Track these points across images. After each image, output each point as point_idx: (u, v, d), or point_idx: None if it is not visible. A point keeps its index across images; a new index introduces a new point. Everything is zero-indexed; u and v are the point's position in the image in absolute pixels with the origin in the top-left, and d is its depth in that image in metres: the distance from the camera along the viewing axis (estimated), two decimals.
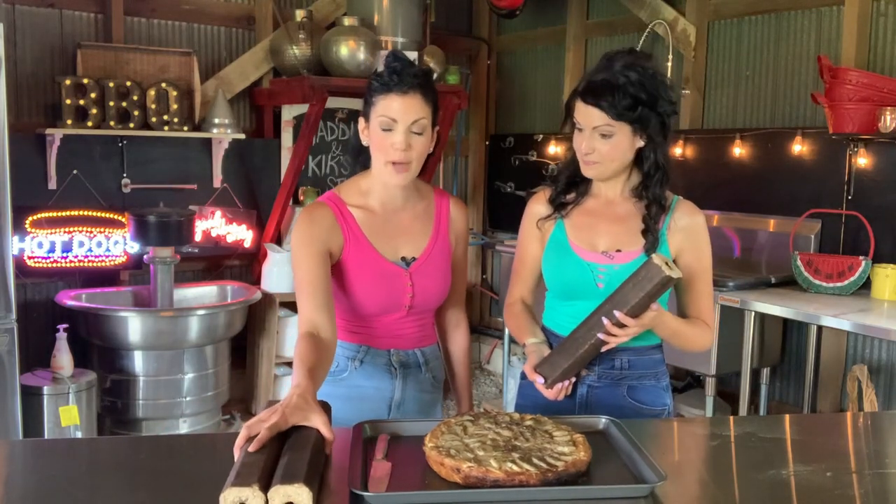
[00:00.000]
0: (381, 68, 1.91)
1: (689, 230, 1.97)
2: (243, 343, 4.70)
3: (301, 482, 1.23)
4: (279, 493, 1.21)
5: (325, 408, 1.60)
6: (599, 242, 1.97)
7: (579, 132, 1.92)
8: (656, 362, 2.01)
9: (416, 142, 1.87)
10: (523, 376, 2.10)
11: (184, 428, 4.15)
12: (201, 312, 4.13)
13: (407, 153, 1.86)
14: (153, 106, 4.29)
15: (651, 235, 1.93)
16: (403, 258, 1.96)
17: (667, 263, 1.73)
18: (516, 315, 2.09)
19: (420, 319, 2.02)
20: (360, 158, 2.01)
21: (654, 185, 1.94)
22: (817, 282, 3.69)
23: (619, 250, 1.95)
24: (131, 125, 4.27)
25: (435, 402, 2.09)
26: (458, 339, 2.18)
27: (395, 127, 1.85)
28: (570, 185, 2.04)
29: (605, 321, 1.78)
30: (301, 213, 1.98)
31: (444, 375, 2.16)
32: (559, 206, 2.03)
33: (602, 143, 1.89)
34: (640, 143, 1.91)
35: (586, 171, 1.95)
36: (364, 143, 1.95)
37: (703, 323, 1.98)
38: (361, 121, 1.95)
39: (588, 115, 1.88)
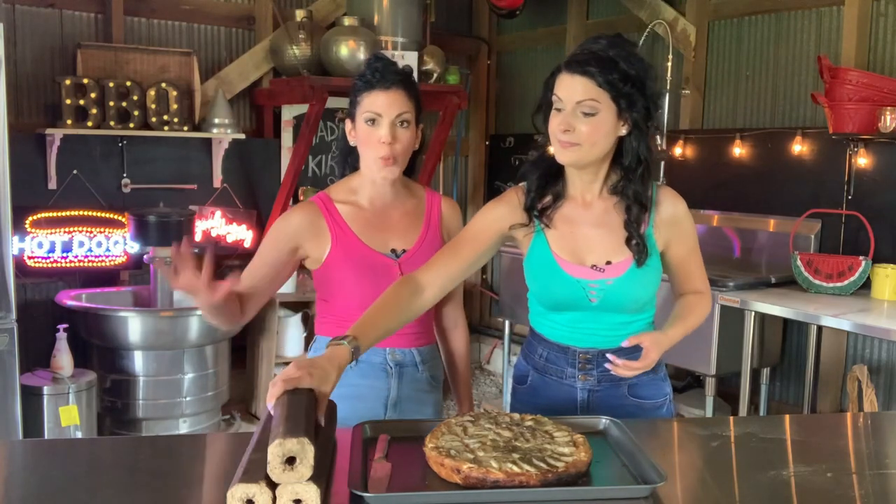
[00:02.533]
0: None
1: (674, 220, 1.88)
2: (243, 343, 4.70)
3: (309, 480, 1.23)
4: (287, 490, 1.21)
5: (332, 407, 1.61)
6: (586, 255, 1.85)
7: (557, 112, 1.75)
8: None
9: (402, 135, 1.94)
10: (518, 381, 2.06)
11: (184, 428, 4.15)
12: (201, 312, 4.12)
13: (392, 146, 1.92)
14: (153, 106, 4.29)
15: (637, 244, 1.82)
16: (393, 250, 2.00)
17: None
18: (385, 295, 1.74)
19: None
20: (348, 160, 2.08)
21: (635, 180, 1.80)
22: (817, 282, 3.69)
23: (609, 262, 1.85)
24: (131, 125, 4.26)
25: (432, 402, 2.10)
26: (458, 338, 2.20)
27: (380, 121, 1.93)
28: (544, 186, 1.86)
29: (613, 358, 1.78)
30: (289, 209, 2.06)
31: (443, 375, 2.17)
32: (538, 214, 1.87)
33: (583, 121, 1.71)
34: (623, 131, 1.77)
35: (562, 156, 1.77)
36: (352, 143, 2.02)
37: (697, 295, 1.95)
38: (348, 122, 2.02)
39: (571, 88, 1.72)
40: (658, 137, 4.20)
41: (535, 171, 1.87)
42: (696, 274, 1.97)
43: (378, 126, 1.92)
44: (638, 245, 1.82)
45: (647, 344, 1.78)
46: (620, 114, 1.74)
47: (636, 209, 1.82)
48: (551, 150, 1.82)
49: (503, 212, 1.89)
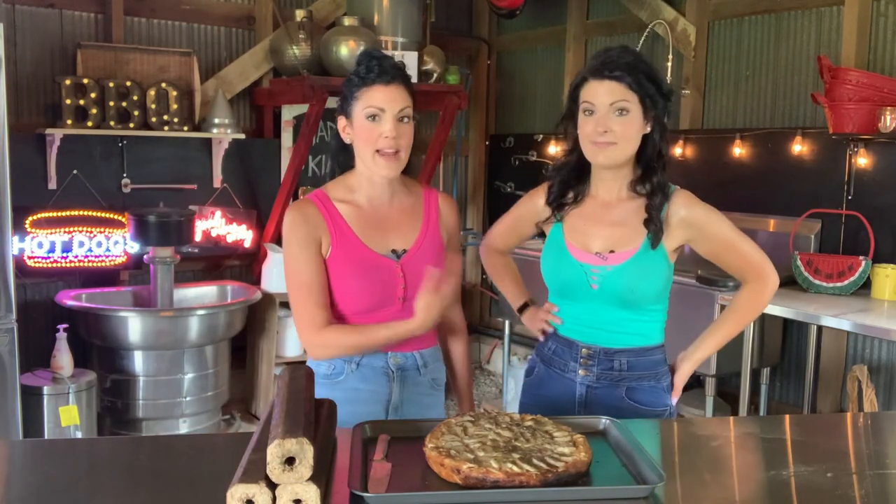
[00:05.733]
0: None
1: (691, 221, 1.95)
2: (243, 343, 4.70)
3: (308, 480, 1.23)
4: (286, 490, 1.21)
5: (332, 406, 1.61)
6: (594, 244, 1.97)
7: (589, 116, 1.89)
8: (656, 363, 2.00)
9: (404, 130, 1.91)
10: (527, 374, 2.12)
11: (184, 428, 4.15)
12: (201, 312, 4.13)
13: (397, 141, 1.89)
14: (153, 106, 4.29)
15: (654, 225, 1.92)
16: (394, 251, 1.96)
17: None
18: (505, 266, 2.26)
19: None
20: (339, 159, 2.03)
21: (658, 173, 1.93)
22: (817, 282, 3.69)
23: (612, 251, 1.95)
24: (131, 125, 4.27)
25: (435, 405, 2.07)
26: (457, 338, 2.18)
27: (383, 116, 1.89)
28: (566, 187, 2.02)
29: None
30: (288, 213, 1.97)
31: (445, 377, 2.16)
32: (557, 207, 2.03)
33: (617, 121, 1.86)
34: (647, 129, 1.91)
35: (598, 157, 1.90)
36: (347, 141, 1.97)
37: (750, 283, 1.99)
38: (342, 119, 1.97)
39: (602, 92, 1.86)
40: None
41: (558, 174, 2.02)
42: (742, 259, 1.98)
43: (380, 122, 1.89)
44: (655, 224, 1.92)
45: (676, 383, 2.03)
46: (646, 113, 1.88)
47: (659, 197, 1.93)
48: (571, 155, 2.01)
49: (540, 204, 2.07)
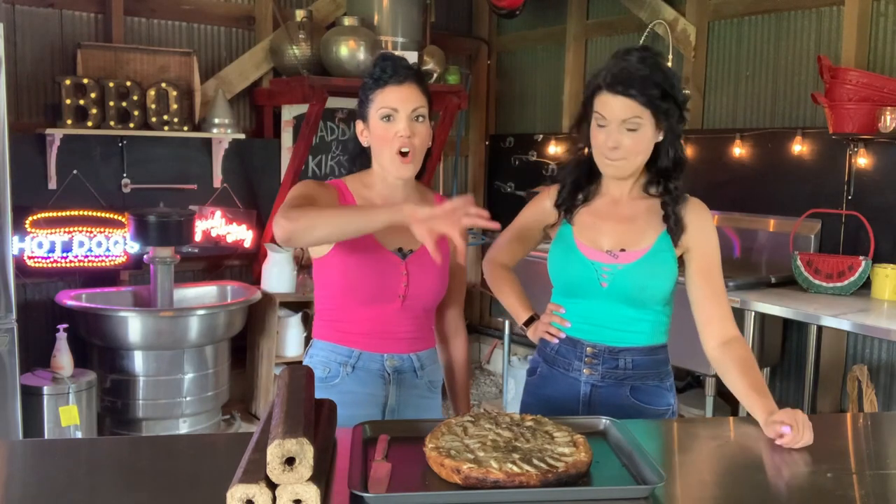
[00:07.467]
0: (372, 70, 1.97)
1: (697, 227, 1.96)
2: (243, 343, 4.70)
3: (308, 480, 1.23)
4: (286, 490, 1.21)
5: (332, 406, 1.60)
6: (604, 241, 1.97)
7: (601, 128, 1.88)
8: (660, 362, 2.00)
9: (419, 129, 1.92)
10: (529, 373, 2.12)
11: (184, 428, 4.15)
12: (201, 312, 4.13)
13: (411, 140, 1.90)
14: (153, 106, 4.29)
15: (674, 215, 1.92)
16: (400, 249, 1.97)
17: None
18: (509, 280, 2.18)
19: (416, 319, 2.00)
20: (357, 161, 2.05)
21: (674, 178, 1.93)
22: (817, 282, 3.69)
23: (623, 249, 1.94)
24: (131, 125, 4.26)
25: (431, 407, 2.07)
26: (458, 344, 2.18)
27: (397, 116, 1.90)
28: (577, 188, 2.02)
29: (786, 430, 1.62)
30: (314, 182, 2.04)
31: (442, 379, 2.15)
32: (567, 210, 2.01)
33: (628, 136, 1.85)
34: (659, 138, 1.90)
35: (608, 169, 1.92)
36: (364, 144, 1.99)
37: (741, 346, 1.88)
38: (359, 123, 1.99)
39: (615, 107, 1.84)
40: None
41: (570, 176, 2.02)
42: (721, 297, 1.94)
43: (395, 121, 1.90)
44: (675, 214, 1.92)
45: (795, 421, 1.64)
46: (658, 124, 1.87)
47: (673, 198, 1.93)
48: (587, 151, 1.99)
49: (548, 206, 2.06)
